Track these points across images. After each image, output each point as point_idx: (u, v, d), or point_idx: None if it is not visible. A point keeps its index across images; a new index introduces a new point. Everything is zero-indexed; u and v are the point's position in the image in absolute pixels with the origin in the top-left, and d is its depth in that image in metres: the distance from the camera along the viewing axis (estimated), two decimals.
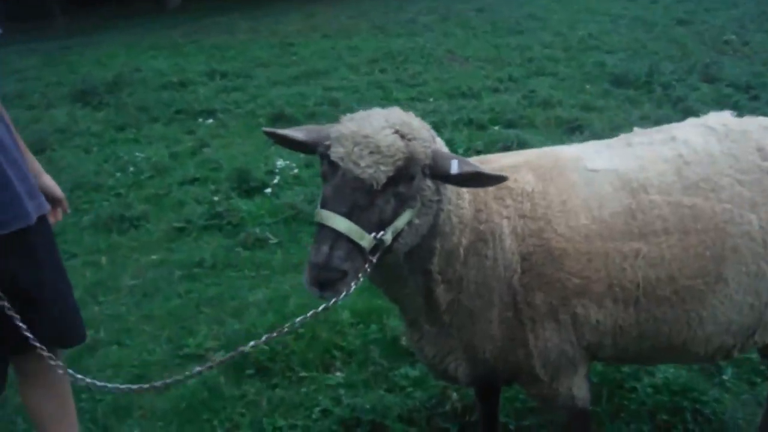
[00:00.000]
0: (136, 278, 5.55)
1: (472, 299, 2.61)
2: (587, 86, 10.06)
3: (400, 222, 2.28)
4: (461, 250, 2.56)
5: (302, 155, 7.90)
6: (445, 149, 2.46)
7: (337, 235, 2.14)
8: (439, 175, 2.32)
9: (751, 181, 2.58)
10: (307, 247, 5.94)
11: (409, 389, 3.97)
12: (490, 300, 2.60)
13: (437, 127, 7.85)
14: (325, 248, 2.12)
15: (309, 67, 12.47)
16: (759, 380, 3.84)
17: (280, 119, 9.29)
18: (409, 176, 2.24)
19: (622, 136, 2.91)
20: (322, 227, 2.17)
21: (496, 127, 8.35)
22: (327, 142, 2.28)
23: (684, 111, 8.35)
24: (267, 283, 5.35)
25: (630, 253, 2.53)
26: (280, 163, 7.36)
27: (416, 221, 2.35)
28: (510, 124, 8.51)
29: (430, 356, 2.83)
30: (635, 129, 2.97)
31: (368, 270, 2.26)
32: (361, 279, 2.26)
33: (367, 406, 3.83)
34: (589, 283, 2.54)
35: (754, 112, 8.24)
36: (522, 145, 7.53)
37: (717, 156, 2.63)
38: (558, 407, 2.85)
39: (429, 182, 2.35)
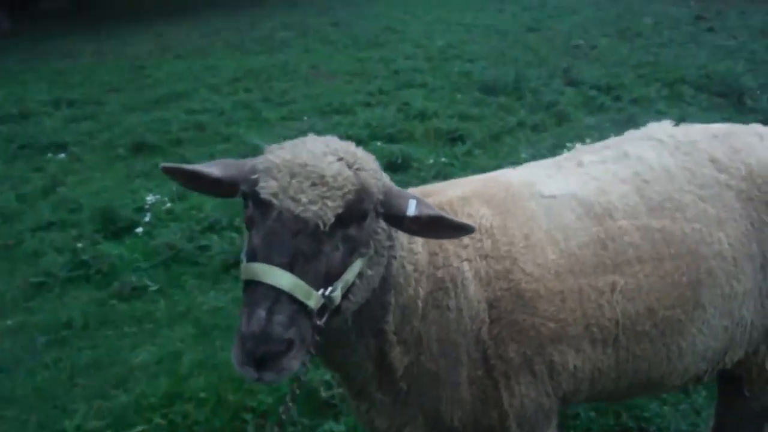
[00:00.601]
0: None
1: (434, 360, 2.23)
2: (458, 96, 10.07)
3: (350, 274, 1.87)
4: (419, 303, 2.18)
5: (174, 187, 7.24)
6: (394, 187, 2.08)
7: (277, 295, 1.69)
8: (393, 216, 1.93)
9: (712, 196, 2.41)
10: (193, 292, 5.39)
11: None
12: (456, 359, 2.23)
13: None
14: (261, 312, 1.66)
15: (166, 90, 11.63)
16: (691, 387, 3.77)
17: (143, 149, 8.51)
18: (360, 214, 1.85)
19: (569, 155, 2.67)
20: (256, 286, 1.71)
21: (378, 143, 8.06)
22: (253, 176, 1.84)
23: (558, 115, 8.55)
24: (152, 340, 4.68)
25: (605, 287, 2.27)
26: (150, 198, 6.63)
27: (368, 272, 1.95)
28: (391, 139, 8.28)
29: (382, 429, 2.39)
30: (578, 146, 2.76)
31: (316, 339, 1.82)
32: (309, 352, 1.81)
33: None
34: (565, 327, 2.25)
35: (621, 112, 8.58)
36: (407, 159, 7.33)
37: (674, 172, 2.45)
38: None
39: (383, 223, 1.96)
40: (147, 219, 6.35)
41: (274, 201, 1.77)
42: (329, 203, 1.77)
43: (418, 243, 2.19)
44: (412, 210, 1.90)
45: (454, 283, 2.21)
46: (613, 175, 2.44)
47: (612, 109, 8.71)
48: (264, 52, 14.92)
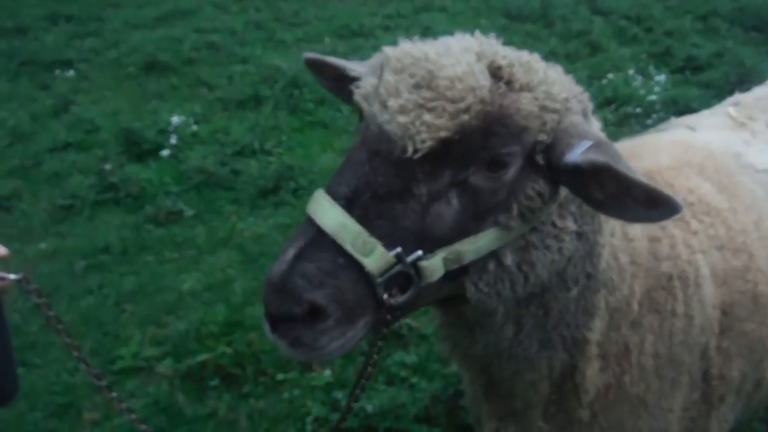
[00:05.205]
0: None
1: (644, 381, 1.69)
2: (483, 21, 9.64)
3: (470, 246, 1.31)
4: (634, 305, 1.65)
5: (198, 108, 6.88)
6: (596, 133, 1.42)
7: (317, 235, 1.25)
8: (552, 164, 1.34)
9: None
10: (232, 218, 5.14)
11: (413, 379, 3.39)
12: (674, 380, 1.72)
13: None
14: (288, 252, 1.25)
15: (170, 6, 11.00)
16: None
17: (154, 68, 8.07)
18: (488, 155, 1.28)
19: (734, 111, 2.29)
20: (306, 222, 1.31)
21: None
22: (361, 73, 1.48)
23: (591, 45, 8.20)
24: (196, 266, 4.47)
25: None
26: (175, 119, 6.27)
27: (507, 259, 1.36)
28: None
29: None
30: (733, 101, 2.41)
31: (386, 321, 1.32)
32: (358, 336, 1.29)
33: (368, 408, 3.21)
34: None
35: (655, 44, 8.21)
36: None
37: None
38: None
39: (542, 183, 1.35)
40: (173, 141, 6.02)
41: (364, 106, 1.34)
42: (427, 117, 1.23)
43: (636, 226, 1.66)
44: (572, 155, 1.28)
45: (685, 282, 1.72)
46: None
47: (645, 40, 8.37)
48: None
